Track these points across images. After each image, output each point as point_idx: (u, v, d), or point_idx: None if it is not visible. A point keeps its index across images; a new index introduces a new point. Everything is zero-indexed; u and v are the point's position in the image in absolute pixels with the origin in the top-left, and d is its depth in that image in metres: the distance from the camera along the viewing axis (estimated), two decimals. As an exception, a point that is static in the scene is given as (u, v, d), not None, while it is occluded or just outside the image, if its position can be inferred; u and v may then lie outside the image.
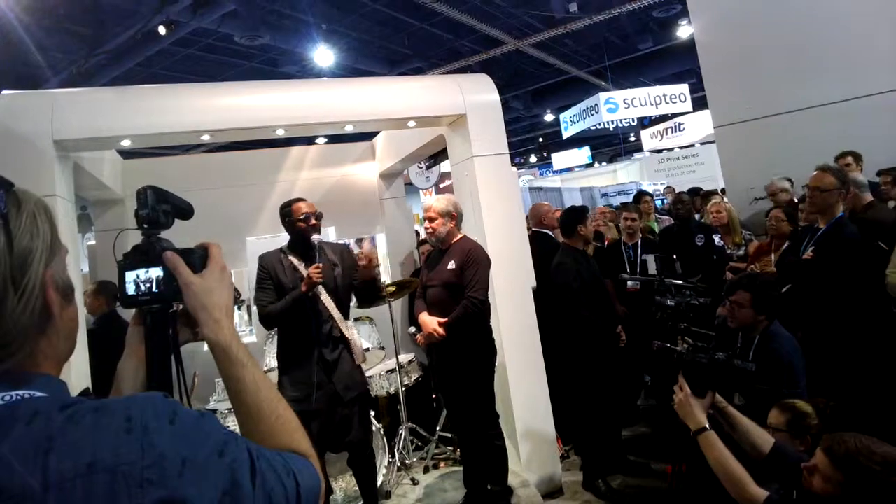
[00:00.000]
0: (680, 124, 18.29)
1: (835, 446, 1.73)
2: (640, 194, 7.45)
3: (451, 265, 3.66)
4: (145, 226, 1.08)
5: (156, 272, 1.03)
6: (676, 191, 9.29)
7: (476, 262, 3.61)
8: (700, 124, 17.42)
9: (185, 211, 1.15)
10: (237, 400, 0.97)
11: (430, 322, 3.59)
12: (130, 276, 1.04)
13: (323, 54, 10.93)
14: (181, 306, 1.05)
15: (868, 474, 1.63)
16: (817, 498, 1.75)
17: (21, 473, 0.64)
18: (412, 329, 3.99)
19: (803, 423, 2.45)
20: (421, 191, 11.77)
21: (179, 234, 1.13)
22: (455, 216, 3.77)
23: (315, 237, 3.47)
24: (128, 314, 4.63)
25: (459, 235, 3.80)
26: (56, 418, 0.69)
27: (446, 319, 3.56)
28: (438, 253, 3.83)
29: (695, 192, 8.01)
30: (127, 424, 0.70)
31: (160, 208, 1.09)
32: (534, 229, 5.37)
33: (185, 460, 0.71)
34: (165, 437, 0.72)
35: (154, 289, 1.03)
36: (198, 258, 1.05)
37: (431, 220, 3.71)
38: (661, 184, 17.44)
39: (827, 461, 1.71)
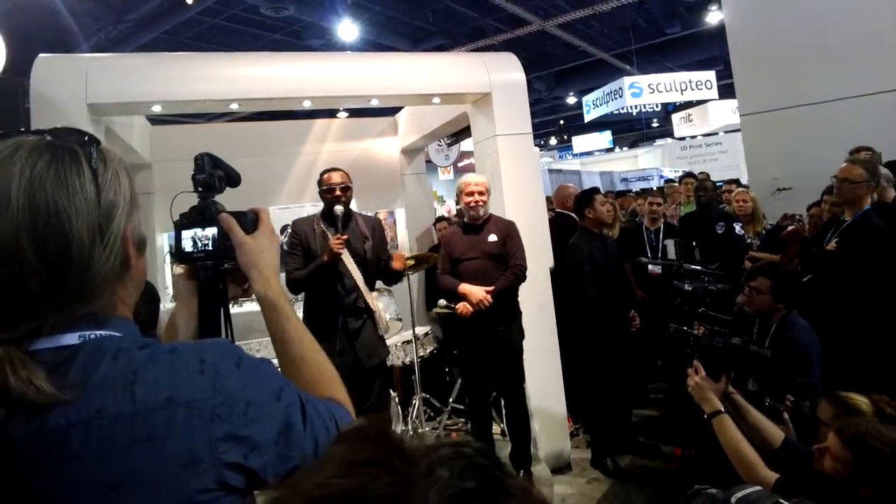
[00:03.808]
0: (689, 115, 17.99)
1: (846, 427, 1.76)
2: (685, 176, 7.42)
3: (493, 238, 3.85)
4: (200, 189, 1.15)
5: (211, 231, 1.10)
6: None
7: (517, 235, 3.91)
8: (709, 116, 17.10)
9: (234, 179, 1.21)
10: (284, 350, 1.05)
11: (478, 291, 3.70)
12: (187, 234, 1.12)
13: (347, 28, 10.88)
14: (231, 264, 1.12)
15: (877, 455, 1.65)
16: (827, 479, 1.78)
17: (115, 398, 0.74)
18: (442, 301, 4.06)
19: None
20: (439, 168, 11.79)
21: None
22: (490, 193, 3.98)
23: (338, 208, 3.50)
24: (152, 276, 4.70)
25: (490, 212, 3.98)
26: (137, 356, 0.78)
27: (493, 287, 3.70)
28: (470, 228, 3.90)
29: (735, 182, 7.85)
30: (200, 366, 0.79)
31: (215, 174, 1.16)
32: (557, 210, 5.39)
33: (249, 401, 0.79)
34: (233, 379, 0.80)
35: (209, 247, 1.10)
36: (249, 221, 1.12)
37: (481, 193, 3.86)
38: (684, 171, 17.27)
39: (838, 441, 1.75)
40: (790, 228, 4.49)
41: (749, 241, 5.24)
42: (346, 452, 0.46)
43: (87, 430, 0.71)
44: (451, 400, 4.84)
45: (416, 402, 4.67)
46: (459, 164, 13.46)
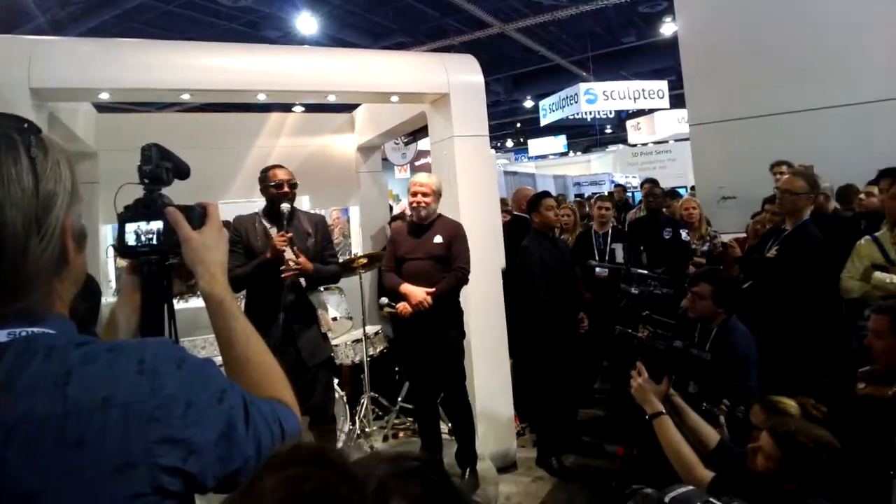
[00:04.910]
0: (638, 123, 18.41)
1: (778, 426, 1.88)
2: (645, 182, 7.55)
3: (438, 239, 3.81)
4: (146, 181, 1.12)
5: (156, 225, 1.07)
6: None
7: (463, 238, 3.85)
8: (656, 125, 17.53)
9: (183, 171, 1.18)
10: (228, 349, 1.02)
11: (418, 292, 3.68)
12: (131, 227, 1.08)
13: (306, 21, 10.74)
14: (176, 259, 1.09)
15: (803, 450, 1.79)
16: (758, 476, 1.88)
17: (44, 400, 0.70)
18: (384, 299, 4.04)
19: None
20: (396, 167, 11.75)
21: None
22: (440, 195, 3.93)
23: (285, 205, 3.45)
24: (94, 269, 4.56)
25: (438, 213, 3.94)
26: (72, 354, 0.74)
27: (434, 290, 3.68)
28: (416, 228, 3.89)
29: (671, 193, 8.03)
30: (139, 366, 0.76)
31: (163, 165, 1.13)
32: (514, 213, 5.45)
33: (189, 403, 0.77)
34: (173, 380, 0.77)
35: (154, 241, 1.07)
36: (197, 215, 1.09)
37: (425, 195, 3.81)
38: (634, 177, 17.67)
39: (770, 440, 1.85)
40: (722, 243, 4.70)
41: (693, 246, 5.40)
42: (287, 484, 0.44)
43: (9, 434, 0.68)
44: (399, 399, 4.83)
45: (365, 401, 4.65)
46: (416, 163, 13.45)
